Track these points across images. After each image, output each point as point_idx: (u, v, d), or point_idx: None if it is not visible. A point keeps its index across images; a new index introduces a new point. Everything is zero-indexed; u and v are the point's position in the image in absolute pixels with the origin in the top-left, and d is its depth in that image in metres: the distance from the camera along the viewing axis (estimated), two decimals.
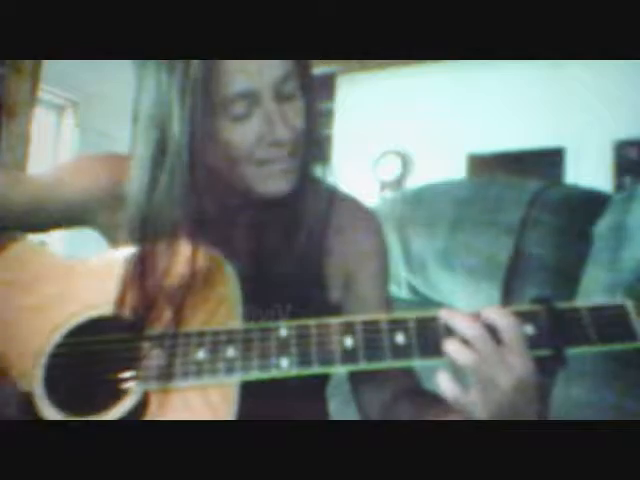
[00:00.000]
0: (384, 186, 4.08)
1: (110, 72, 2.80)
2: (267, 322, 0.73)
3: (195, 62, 0.71)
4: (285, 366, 0.70)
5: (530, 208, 1.33)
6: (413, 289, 1.49)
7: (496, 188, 1.44)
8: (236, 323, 0.73)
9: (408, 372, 0.86)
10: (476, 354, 0.65)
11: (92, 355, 0.76)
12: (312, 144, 0.82)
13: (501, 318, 0.66)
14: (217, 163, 0.77)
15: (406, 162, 4.09)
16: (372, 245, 0.89)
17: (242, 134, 0.75)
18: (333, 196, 0.88)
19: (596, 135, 3.51)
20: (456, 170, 3.78)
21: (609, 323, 0.68)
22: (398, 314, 0.72)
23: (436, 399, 0.70)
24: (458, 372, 0.66)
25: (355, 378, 0.88)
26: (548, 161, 3.65)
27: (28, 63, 2.94)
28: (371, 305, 0.87)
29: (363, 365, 0.70)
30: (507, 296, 1.28)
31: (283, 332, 0.71)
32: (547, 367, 0.68)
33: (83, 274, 0.83)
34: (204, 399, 0.70)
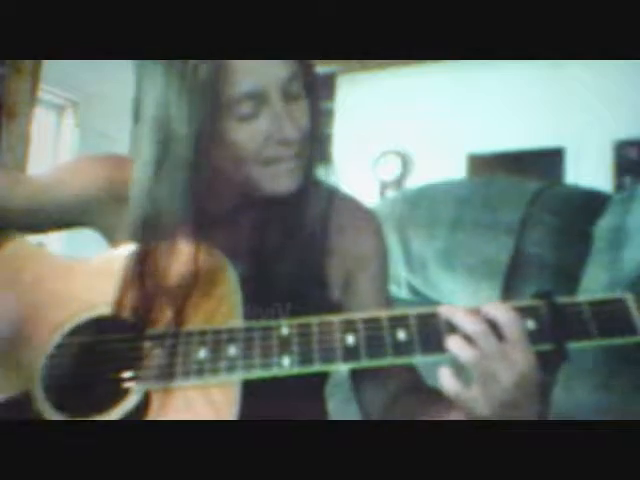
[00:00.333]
0: (384, 186, 4.08)
1: (110, 72, 2.80)
2: (268, 321, 0.73)
3: (202, 63, 0.71)
4: (287, 364, 0.70)
5: (530, 208, 1.34)
6: (413, 289, 1.49)
7: (496, 188, 1.44)
8: (237, 322, 0.73)
9: (410, 369, 0.86)
10: (477, 350, 0.65)
11: (92, 355, 0.76)
12: (316, 143, 0.82)
13: (502, 313, 0.66)
14: (222, 163, 0.77)
15: (406, 162, 4.09)
16: (372, 245, 0.89)
17: (249, 134, 0.75)
18: (333, 196, 0.88)
19: (596, 135, 3.51)
20: (456, 170, 3.78)
21: (610, 317, 0.68)
22: (399, 310, 0.72)
23: (438, 395, 0.70)
24: (460, 368, 0.66)
25: (357, 376, 0.87)
26: (548, 161, 3.65)
27: (28, 63, 2.94)
28: (371, 305, 0.86)
29: (365, 362, 0.70)
30: (507, 296, 1.28)
31: (284, 330, 0.71)
32: (549, 363, 0.68)
33: (83, 274, 0.83)
34: (206, 399, 0.70)
